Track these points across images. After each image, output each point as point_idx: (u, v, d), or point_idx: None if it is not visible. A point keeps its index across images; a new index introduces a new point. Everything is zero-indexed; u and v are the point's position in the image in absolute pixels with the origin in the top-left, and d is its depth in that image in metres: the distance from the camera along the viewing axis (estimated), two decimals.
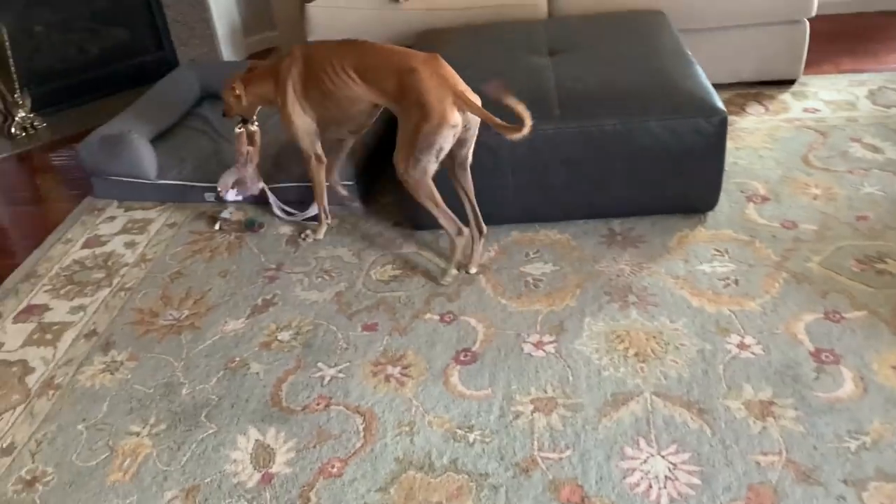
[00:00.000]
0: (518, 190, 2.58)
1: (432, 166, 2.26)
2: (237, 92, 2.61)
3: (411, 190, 2.33)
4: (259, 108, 2.72)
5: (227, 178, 2.86)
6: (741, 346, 2.07)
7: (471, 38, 3.18)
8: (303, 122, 2.52)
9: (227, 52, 4.67)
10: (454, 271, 2.44)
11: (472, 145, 2.34)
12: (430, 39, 3.22)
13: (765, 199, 2.70)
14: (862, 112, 3.23)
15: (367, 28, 3.61)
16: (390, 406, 2.00)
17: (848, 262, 2.34)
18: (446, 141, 2.21)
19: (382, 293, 2.43)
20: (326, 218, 2.75)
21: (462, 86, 2.22)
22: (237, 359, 2.22)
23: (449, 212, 2.36)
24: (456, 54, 3.00)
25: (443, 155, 2.25)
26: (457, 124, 2.19)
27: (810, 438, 1.78)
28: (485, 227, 2.48)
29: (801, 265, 2.35)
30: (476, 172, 2.44)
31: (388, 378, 2.09)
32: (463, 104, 2.18)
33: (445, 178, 2.39)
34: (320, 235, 2.74)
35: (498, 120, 2.14)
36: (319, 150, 2.61)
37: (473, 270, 2.47)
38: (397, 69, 2.27)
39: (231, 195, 2.89)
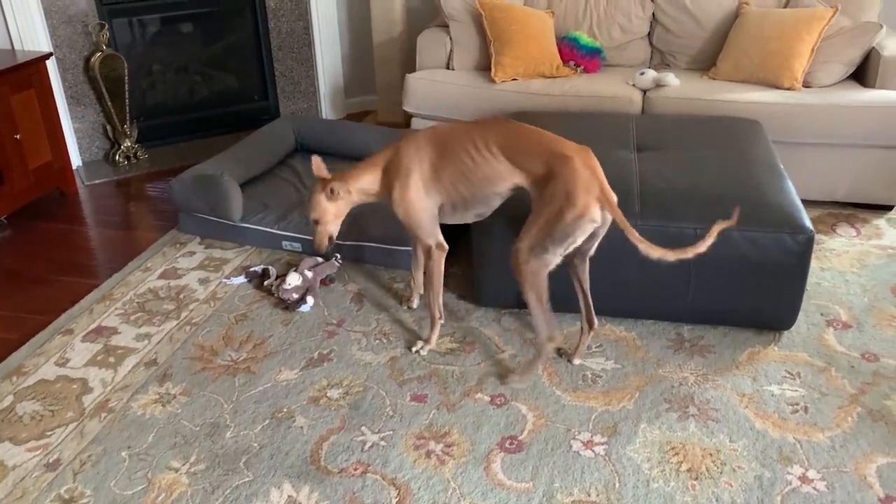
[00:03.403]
0: (590, 281, 2.55)
1: (556, 259, 2.18)
2: (337, 192, 2.35)
3: (523, 278, 2.19)
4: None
5: (293, 286, 2.75)
6: (803, 479, 1.95)
7: (561, 124, 3.19)
8: (426, 206, 2.34)
9: (326, 110, 4.86)
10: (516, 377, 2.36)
11: (598, 242, 2.29)
12: (521, 121, 3.26)
13: (846, 325, 2.57)
14: None
15: (461, 103, 3.71)
16: (427, 483, 1.95)
17: None
18: (583, 234, 2.14)
19: (436, 364, 2.41)
20: (440, 318, 2.51)
21: (606, 183, 2.16)
22: (285, 409, 2.23)
23: (550, 313, 2.24)
24: None
25: (571, 249, 2.18)
26: (597, 220, 2.13)
27: None
28: (595, 321, 2.41)
29: (879, 402, 2.21)
30: None
31: (429, 454, 2.05)
32: (605, 201, 2.12)
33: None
34: (433, 343, 2.49)
35: (632, 228, 2.10)
36: (441, 237, 2.42)
37: (577, 361, 2.42)
38: (549, 153, 2.18)
39: (239, 280, 2.92)
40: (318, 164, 2.43)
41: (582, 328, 2.42)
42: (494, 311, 2.68)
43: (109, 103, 4.05)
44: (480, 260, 2.65)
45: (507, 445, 2.08)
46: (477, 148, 2.25)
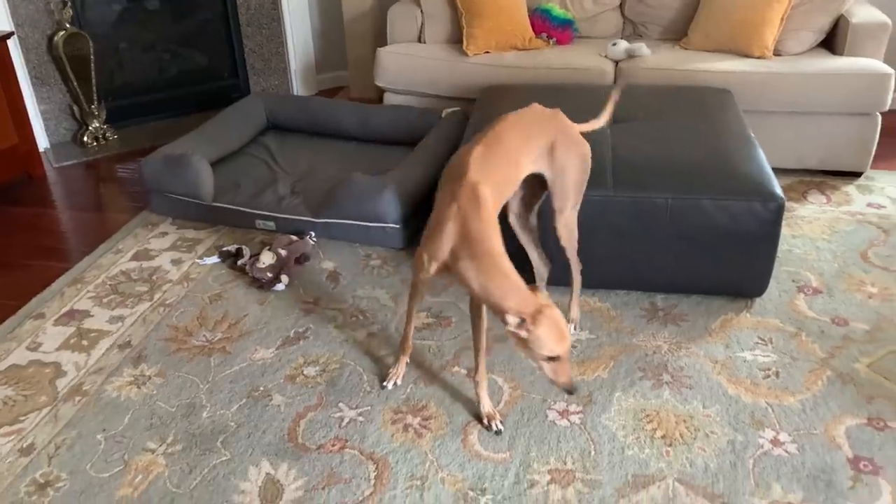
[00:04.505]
0: (562, 253, 2.56)
1: None
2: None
3: (573, 236, 2.29)
4: None
5: (267, 265, 2.72)
6: (775, 442, 1.98)
7: (534, 96, 3.18)
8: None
9: (297, 87, 4.81)
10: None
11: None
12: (494, 94, 3.25)
13: (817, 291, 2.61)
14: None
15: (434, 77, 3.68)
16: (405, 457, 1.96)
17: None
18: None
19: (413, 340, 2.41)
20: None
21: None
22: (261, 388, 2.23)
23: None
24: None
25: None
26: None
27: None
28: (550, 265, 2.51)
29: (849, 365, 2.25)
30: (513, 232, 2.42)
31: (406, 427, 2.06)
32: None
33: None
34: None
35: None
36: None
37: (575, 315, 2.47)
38: (547, 133, 2.17)
39: (212, 259, 2.90)
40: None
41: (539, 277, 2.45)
42: None
43: (75, 83, 3.97)
44: None
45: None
46: (510, 164, 2.10)
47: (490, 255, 1.82)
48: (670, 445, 1.98)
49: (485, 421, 2.06)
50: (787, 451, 1.95)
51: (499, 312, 1.77)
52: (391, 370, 2.24)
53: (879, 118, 3.30)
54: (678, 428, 2.04)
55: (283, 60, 4.69)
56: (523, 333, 1.74)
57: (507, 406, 2.13)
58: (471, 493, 1.85)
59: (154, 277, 2.81)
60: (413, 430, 2.06)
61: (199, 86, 4.55)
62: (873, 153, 3.38)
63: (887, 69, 3.24)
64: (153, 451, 2.01)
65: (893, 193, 3.29)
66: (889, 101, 3.25)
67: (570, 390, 1.81)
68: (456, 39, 3.83)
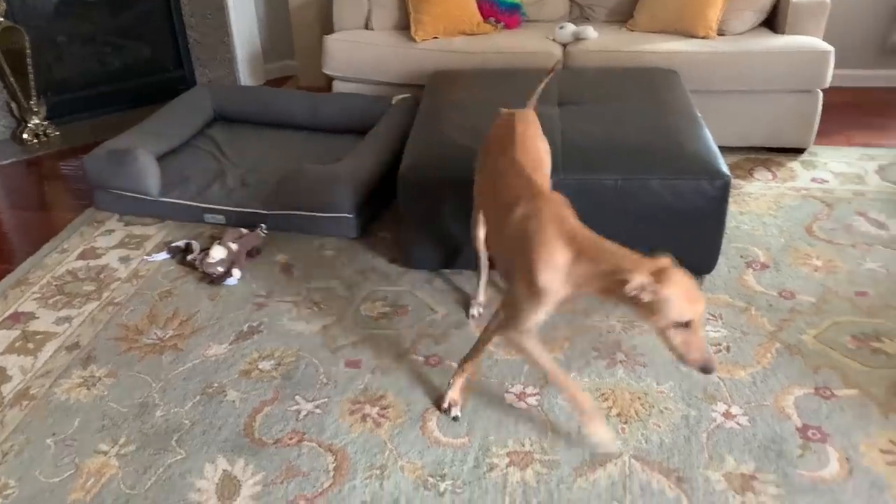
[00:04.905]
0: None
1: None
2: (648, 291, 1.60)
3: None
4: None
5: (218, 259, 2.67)
6: (727, 415, 2.02)
7: (482, 81, 3.19)
8: None
9: (245, 77, 4.72)
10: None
11: None
12: (442, 80, 3.24)
13: (764, 266, 2.67)
14: (870, 186, 3.21)
15: (383, 64, 3.65)
16: (364, 447, 1.96)
17: (844, 338, 2.29)
18: None
19: (370, 329, 2.40)
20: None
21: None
22: (215, 384, 2.19)
23: None
24: (465, 97, 3.03)
25: None
26: None
27: None
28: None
29: (796, 337, 2.31)
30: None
31: (364, 418, 2.05)
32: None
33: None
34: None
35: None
36: None
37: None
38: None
39: (161, 256, 2.84)
40: None
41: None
42: (426, 273, 2.68)
43: (11, 79, 3.83)
44: (408, 223, 2.63)
45: (442, 403, 2.09)
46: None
47: (598, 241, 1.70)
48: (626, 423, 2.01)
49: (445, 405, 2.06)
50: (738, 424, 1.99)
51: (616, 283, 1.58)
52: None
53: (821, 95, 3.38)
54: (633, 405, 2.07)
55: (228, 51, 4.59)
56: (647, 296, 1.54)
57: (466, 391, 2.13)
58: (431, 480, 1.85)
59: (102, 276, 2.74)
60: (371, 419, 2.05)
61: (143, 78, 4.44)
62: (816, 129, 3.45)
63: (826, 46, 3.31)
64: (105, 454, 1.96)
65: (836, 168, 3.37)
66: (829, 78, 3.32)
67: (705, 368, 1.59)
68: (404, 26, 3.80)
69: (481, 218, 2.27)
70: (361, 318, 2.46)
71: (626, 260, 1.61)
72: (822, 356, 2.22)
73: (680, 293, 1.56)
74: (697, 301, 1.58)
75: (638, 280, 1.54)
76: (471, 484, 1.84)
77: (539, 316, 1.75)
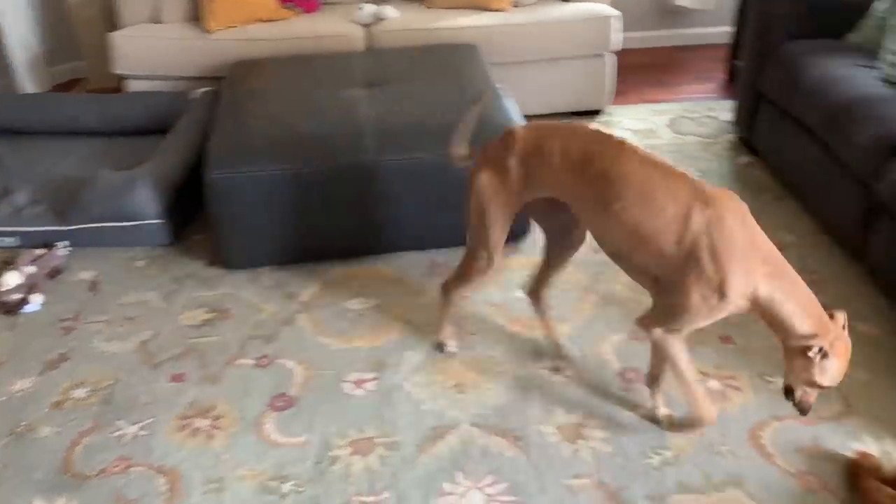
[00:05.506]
0: (338, 225, 2.54)
1: None
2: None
3: None
4: None
5: (13, 286, 2.45)
6: (554, 370, 2.12)
7: (286, 69, 3.11)
8: None
9: (28, 84, 4.30)
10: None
11: None
12: (244, 70, 3.12)
13: None
14: (663, 139, 3.46)
15: (177, 58, 3.47)
16: (197, 463, 1.86)
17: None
18: None
19: (193, 339, 2.29)
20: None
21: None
22: (24, 422, 2.00)
23: None
24: (270, 87, 2.94)
25: None
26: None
27: (618, 458, 1.84)
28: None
29: (610, 287, 2.45)
30: (291, 208, 2.36)
31: (195, 432, 1.95)
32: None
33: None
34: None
35: None
36: None
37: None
38: None
39: None
40: None
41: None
42: (248, 272, 2.58)
43: None
44: (223, 222, 2.52)
45: (277, 404, 2.03)
46: None
47: (782, 263, 1.64)
48: (462, 392, 2.05)
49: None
50: (566, 377, 2.09)
51: (788, 335, 1.62)
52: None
53: (609, 58, 3.59)
54: (468, 374, 2.11)
55: (2, 57, 4.16)
56: (816, 358, 1.59)
57: (301, 388, 2.08)
58: (272, 484, 1.80)
59: None
60: (203, 432, 1.95)
61: None
62: (611, 91, 3.67)
63: (611, 11, 3.52)
64: None
65: (631, 125, 3.61)
66: (616, 42, 3.54)
67: (805, 411, 1.69)
68: (196, 16, 3.61)
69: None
70: (182, 329, 2.33)
71: (808, 317, 1.61)
72: (633, 302, 2.37)
73: (842, 366, 1.63)
74: (845, 371, 1.64)
75: (817, 348, 1.59)
76: (314, 481, 1.80)
77: (703, 323, 1.72)
